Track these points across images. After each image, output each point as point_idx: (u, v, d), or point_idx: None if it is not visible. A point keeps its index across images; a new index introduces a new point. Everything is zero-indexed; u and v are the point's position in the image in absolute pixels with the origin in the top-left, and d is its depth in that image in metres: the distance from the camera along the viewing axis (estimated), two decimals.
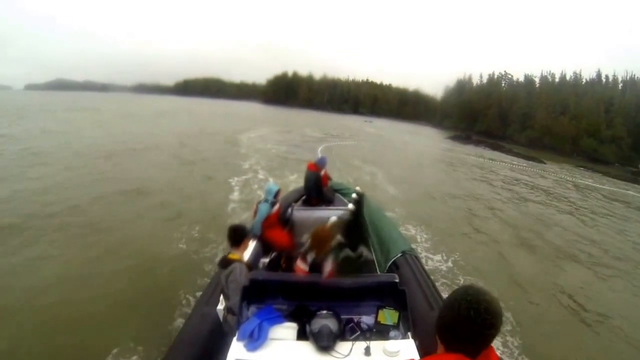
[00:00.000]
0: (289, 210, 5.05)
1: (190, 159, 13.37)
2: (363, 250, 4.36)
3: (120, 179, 9.71)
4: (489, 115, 59.15)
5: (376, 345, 2.03)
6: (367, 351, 2.00)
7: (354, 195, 5.07)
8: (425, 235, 7.50)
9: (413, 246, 4.30)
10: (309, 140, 23.16)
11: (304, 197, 5.83)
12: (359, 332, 2.19)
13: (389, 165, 16.49)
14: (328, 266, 2.69)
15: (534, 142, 48.34)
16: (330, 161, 7.27)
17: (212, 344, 2.32)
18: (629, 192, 20.75)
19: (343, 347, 2.04)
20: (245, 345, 2.04)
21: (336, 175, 10.26)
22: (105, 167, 11.03)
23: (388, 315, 2.19)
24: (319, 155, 6.02)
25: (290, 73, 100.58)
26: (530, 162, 29.30)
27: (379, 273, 3.50)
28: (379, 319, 2.20)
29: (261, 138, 21.75)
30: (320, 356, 1.99)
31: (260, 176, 11.58)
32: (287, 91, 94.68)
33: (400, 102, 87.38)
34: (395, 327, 2.18)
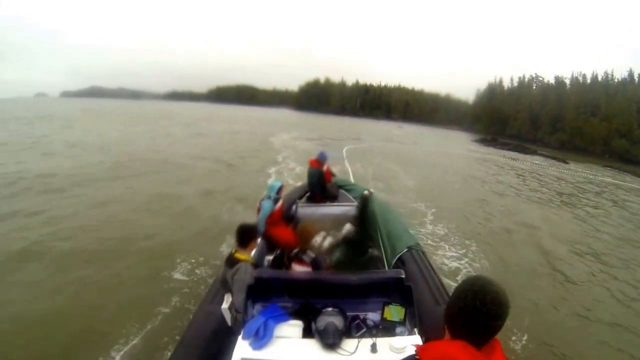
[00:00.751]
0: (294, 207, 5.03)
1: (239, 154, 15.92)
2: (369, 245, 4.35)
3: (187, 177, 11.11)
4: (519, 119, 58.63)
5: (382, 342, 2.01)
6: (374, 348, 1.98)
7: (365, 192, 5.08)
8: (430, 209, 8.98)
9: (422, 236, 4.29)
10: (335, 142, 24.17)
11: (308, 194, 5.81)
12: (365, 329, 2.17)
13: (407, 163, 17.82)
14: (324, 260, 2.82)
15: (564, 145, 47.67)
16: (352, 159, 10.50)
17: (218, 342, 2.32)
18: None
19: (349, 344, 2.02)
20: (250, 344, 2.03)
21: (359, 169, 13.29)
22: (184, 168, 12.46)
23: (394, 312, 2.17)
24: (322, 153, 5.96)
25: (322, 79, 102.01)
26: (551, 161, 28.69)
27: (385, 269, 3.48)
28: (385, 315, 2.18)
29: (293, 138, 24.25)
30: (326, 353, 1.98)
31: (290, 165, 13.90)
32: (320, 97, 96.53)
33: (432, 107, 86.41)
34: (402, 323, 2.16)
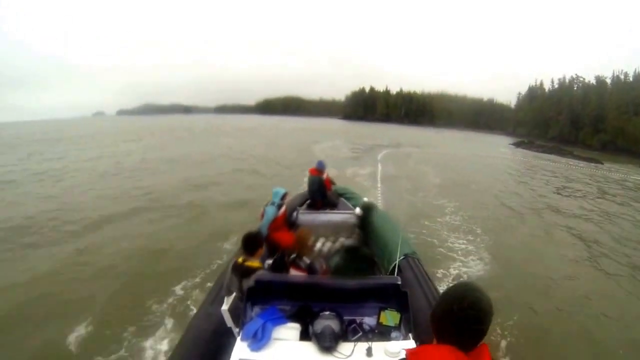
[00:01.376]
0: (294, 214, 5.10)
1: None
2: (367, 252, 4.40)
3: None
4: (560, 121, 57.70)
5: (378, 346, 2.05)
6: (369, 352, 2.02)
7: (365, 199, 5.13)
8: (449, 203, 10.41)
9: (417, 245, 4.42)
10: (375, 147, 26.33)
11: (308, 201, 5.89)
12: (361, 333, 2.21)
13: (436, 164, 19.30)
14: (321, 265, 2.92)
15: (606, 146, 46.01)
16: (386, 162, 14.09)
17: (217, 344, 2.36)
18: None
19: (345, 347, 2.06)
20: (249, 345, 2.08)
21: (391, 169, 15.66)
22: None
23: (390, 317, 2.21)
24: (320, 162, 6.10)
25: (368, 88, 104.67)
26: (585, 162, 28.37)
27: (382, 275, 3.52)
28: (380, 320, 2.23)
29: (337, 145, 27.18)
30: (323, 356, 2.02)
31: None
32: (365, 106, 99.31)
33: (475, 112, 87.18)
34: (397, 328, 2.20)
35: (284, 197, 4.13)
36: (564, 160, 29.28)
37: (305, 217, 5.11)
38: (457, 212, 9.48)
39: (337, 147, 25.52)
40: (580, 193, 14.10)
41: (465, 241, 7.27)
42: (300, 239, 3.04)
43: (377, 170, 15.02)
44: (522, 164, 24.40)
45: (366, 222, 4.76)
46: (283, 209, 4.13)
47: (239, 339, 2.14)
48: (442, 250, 6.74)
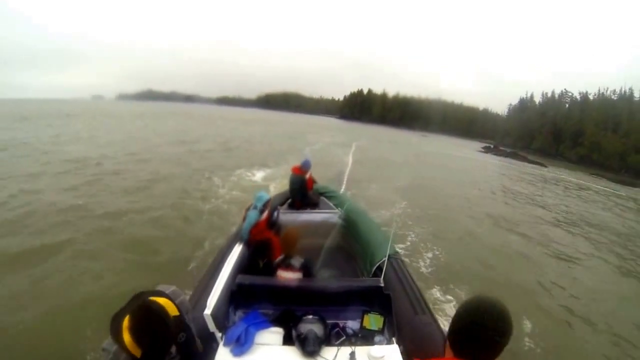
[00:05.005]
0: (275, 213, 5.05)
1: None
2: (350, 253, 4.42)
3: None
4: (542, 133, 60.90)
5: (361, 350, 2.06)
6: (352, 356, 2.03)
7: (347, 195, 5.09)
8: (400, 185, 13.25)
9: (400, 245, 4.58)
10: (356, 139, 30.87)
11: (289, 201, 5.84)
12: (344, 337, 2.22)
13: (398, 157, 24.20)
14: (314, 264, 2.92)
15: (583, 159, 49.06)
16: (359, 151, 19.85)
17: None
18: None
19: (328, 352, 2.06)
20: (231, 350, 2.04)
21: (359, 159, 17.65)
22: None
23: (373, 321, 2.23)
24: (306, 160, 6.01)
25: (373, 90, 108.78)
26: (530, 164, 34.68)
27: (364, 277, 3.54)
28: (364, 324, 2.24)
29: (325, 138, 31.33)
30: None
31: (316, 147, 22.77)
32: (362, 107, 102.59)
33: (469, 120, 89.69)
34: (380, 332, 2.23)
35: (267, 203, 4.07)
36: (514, 161, 35.79)
37: (286, 216, 5.07)
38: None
39: (328, 138, 30.56)
40: (505, 179, 20.95)
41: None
42: (288, 239, 2.96)
43: (350, 150, 18.12)
44: (476, 161, 30.37)
45: (348, 221, 4.78)
46: (265, 214, 4.08)
47: (221, 343, 2.10)
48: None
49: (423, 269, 6.11)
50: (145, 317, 1.38)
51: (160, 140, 19.70)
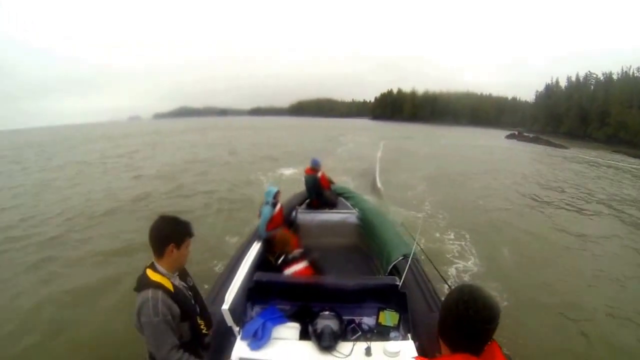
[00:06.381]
0: (293, 213, 5.11)
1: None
2: (366, 252, 4.44)
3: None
4: (569, 116, 60.08)
5: (377, 345, 2.07)
6: (368, 351, 2.04)
7: (365, 198, 5.12)
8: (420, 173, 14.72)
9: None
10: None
11: (307, 201, 5.90)
12: (360, 333, 2.23)
13: (422, 150, 25.83)
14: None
15: (610, 138, 47.44)
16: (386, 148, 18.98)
17: (217, 342, 2.37)
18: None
19: (344, 347, 2.08)
20: (249, 344, 2.10)
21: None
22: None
23: (389, 317, 2.24)
24: (314, 160, 6.08)
25: (403, 89, 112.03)
26: (551, 147, 34.88)
27: (380, 275, 3.54)
28: (379, 320, 2.25)
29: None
30: (322, 356, 2.04)
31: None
32: (393, 107, 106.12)
33: (498, 110, 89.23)
34: (396, 328, 2.22)
35: (276, 195, 4.12)
36: (538, 146, 36.19)
37: (304, 216, 5.12)
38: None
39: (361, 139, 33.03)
40: (526, 157, 24.16)
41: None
42: (282, 240, 3.15)
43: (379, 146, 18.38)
44: (501, 147, 31.99)
45: (365, 222, 4.79)
46: (279, 206, 4.13)
47: (239, 338, 2.16)
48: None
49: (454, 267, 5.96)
50: None
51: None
